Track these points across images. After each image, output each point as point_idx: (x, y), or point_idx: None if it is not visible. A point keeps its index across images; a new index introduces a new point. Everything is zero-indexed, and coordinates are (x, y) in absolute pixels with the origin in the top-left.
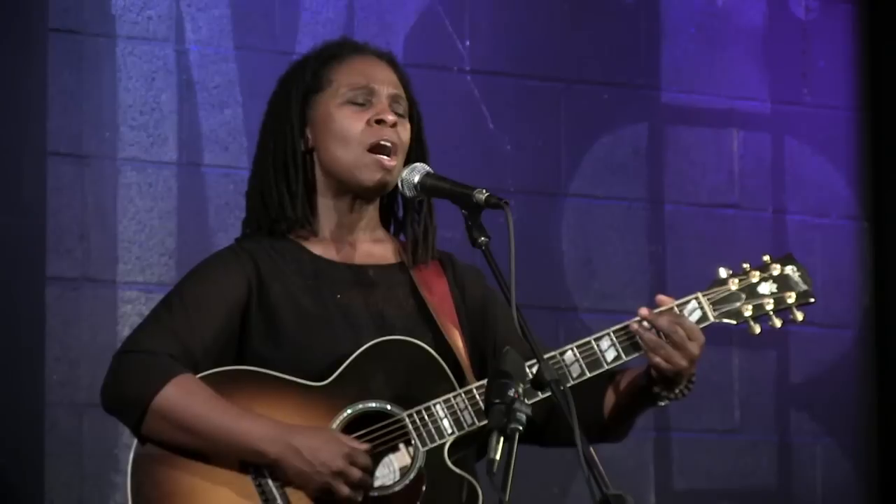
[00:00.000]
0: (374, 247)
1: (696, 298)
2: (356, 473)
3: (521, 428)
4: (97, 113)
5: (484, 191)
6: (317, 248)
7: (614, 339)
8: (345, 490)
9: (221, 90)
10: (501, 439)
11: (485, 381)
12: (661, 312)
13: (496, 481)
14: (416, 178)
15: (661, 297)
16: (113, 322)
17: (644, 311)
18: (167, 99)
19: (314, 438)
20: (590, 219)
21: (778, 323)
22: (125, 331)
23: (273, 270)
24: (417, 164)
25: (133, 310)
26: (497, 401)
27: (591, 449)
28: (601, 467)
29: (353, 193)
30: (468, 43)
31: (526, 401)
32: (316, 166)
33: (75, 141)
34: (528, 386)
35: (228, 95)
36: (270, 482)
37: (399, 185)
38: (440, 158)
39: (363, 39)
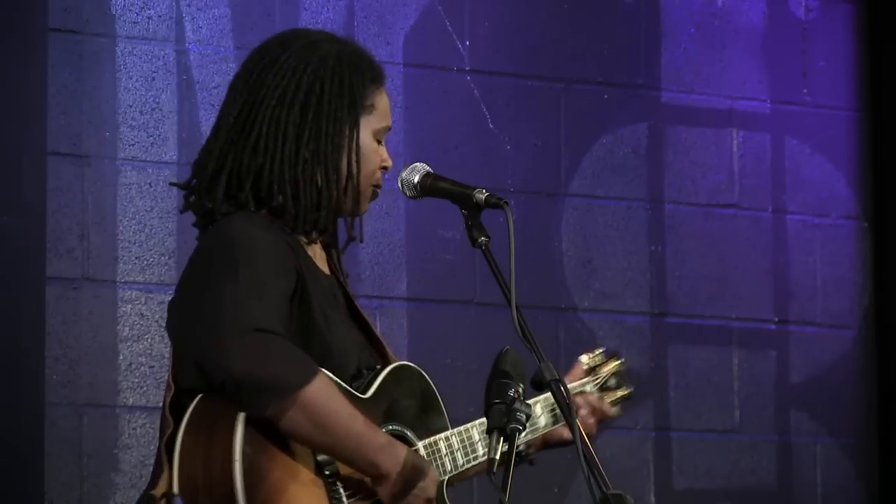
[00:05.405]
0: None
1: (591, 382)
2: None
3: (521, 428)
4: (97, 113)
5: (484, 191)
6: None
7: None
8: None
9: (221, 90)
10: (501, 439)
11: (471, 424)
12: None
13: (496, 481)
14: (416, 178)
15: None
16: (113, 322)
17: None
18: (167, 99)
19: (422, 462)
20: (590, 219)
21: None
22: (125, 331)
23: (302, 265)
24: (417, 164)
25: (133, 310)
26: (497, 401)
27: (591, 449)
28: (601, 467)
29: (335, 212)
30: (468, 43)
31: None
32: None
33: (75, 141)
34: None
35: None
36: (342, 489)
37: (399, 185)
38: (440, 158)
39: (363, 39)
